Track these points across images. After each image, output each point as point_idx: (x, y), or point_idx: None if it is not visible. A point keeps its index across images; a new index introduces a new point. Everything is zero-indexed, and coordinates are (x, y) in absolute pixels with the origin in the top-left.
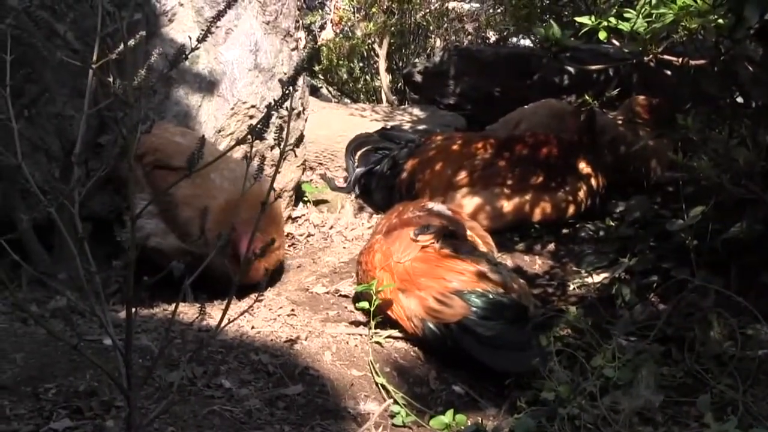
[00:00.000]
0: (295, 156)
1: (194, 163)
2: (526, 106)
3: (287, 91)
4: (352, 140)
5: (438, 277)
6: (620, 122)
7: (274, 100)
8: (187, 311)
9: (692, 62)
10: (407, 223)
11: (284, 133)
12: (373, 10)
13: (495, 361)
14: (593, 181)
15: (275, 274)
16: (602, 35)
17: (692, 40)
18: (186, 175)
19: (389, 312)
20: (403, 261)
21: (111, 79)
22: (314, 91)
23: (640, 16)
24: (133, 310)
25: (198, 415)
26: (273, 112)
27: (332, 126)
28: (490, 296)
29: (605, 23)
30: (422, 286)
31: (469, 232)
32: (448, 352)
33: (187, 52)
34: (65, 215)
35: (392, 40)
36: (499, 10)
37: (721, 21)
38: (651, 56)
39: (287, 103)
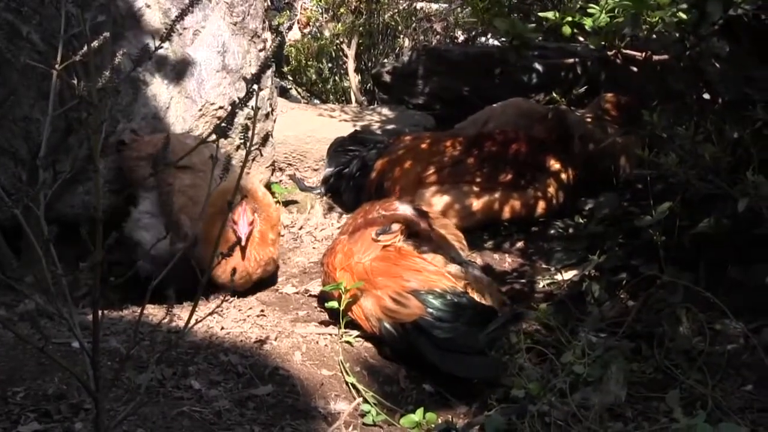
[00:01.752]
0: (261, 156)
1: (165, 156)
2: (494, 105)
3: (251, 89)
4: (332, 143)
5: (395, 276)
6: (589, 120)
7: (238, 98)
8: (156, 313)
9: (655, 57)
10: (371, 223)
11: (250, 132)
12: (341, 10)
13: (448, 365)
14: (563, 178)
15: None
16: (566, 30)
17: (655, 35)
18: (153, 173)
19: (350, 312)
20: (363, 261)
21: (76, 81)
22: (283, 92)
23: (603, 11)
24: (102, 312)
25: (167, 416)
26: (238, 110)
27: (301, 127)
28: (448, 297)
29: (569, 18)
30: (379, 285)
31: (440, 230)
32: (405, 352)
33: (151, 52)
34: (32, 218)
35: (361, 41)
36: (467, 10)
37: (683, 15)
38: (614, 51)
39: (252, 102)
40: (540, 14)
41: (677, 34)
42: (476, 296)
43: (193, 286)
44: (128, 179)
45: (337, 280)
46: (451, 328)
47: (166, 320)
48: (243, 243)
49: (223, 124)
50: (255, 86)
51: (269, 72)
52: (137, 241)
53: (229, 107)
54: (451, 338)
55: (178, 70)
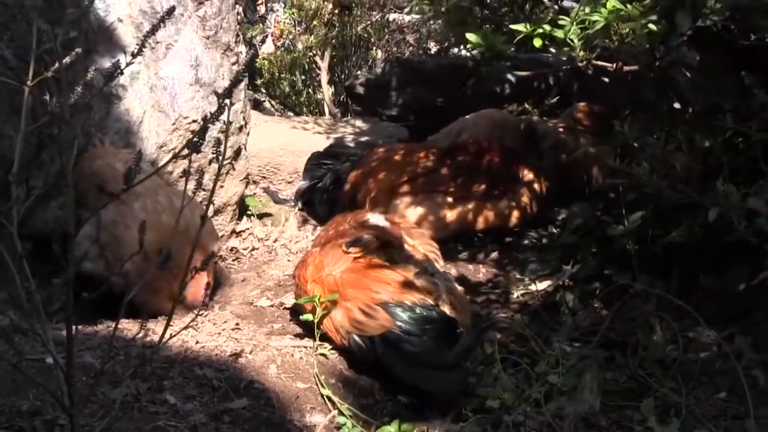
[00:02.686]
0: (234, 170)
1: (130, 180)
2: (467, 116)
3: (223, 103)
4: (310, 157)
5: (365, 287)
6: (562, 129)
7: (210, 112)
8: (131, 328)
9: (626, 68)
10: (342, 234)
11: (222, 146)
12: (314, 22)
13: (414, 379)
14: (537, 188)
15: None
16: (537, 42)
17: (625, 46)
18: (111, 199)
19: (322, 325)
20: (333, 273)
21: (48, 97)
22: (257, 105)
23: (574, 23)
24: (76, 327)
25: (142, 431)
26: (210, 125)
27: (275, 139)
28: (417, 310)
29: (540, 30)
30: (349, 296)
31: (411, 240)
32: (373, 365)
33: (123, 67)
34: (5, 234)
35: (334, 53)
36: (439, 21)
37: (653, 26)
38: (585, 62)
39: (224, 116)
40: (511, 26)
41: (647, 45)
42: (448, 308)
43: None
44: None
45: (308, 292)
46: (419, 342)
47: (140, 335)
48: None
49: (195, 139)
50: (227, 100)
51: (242, 85)
52: (80, 271)
53: (202, 121)
54: (418, 352)
55: (151, 85)
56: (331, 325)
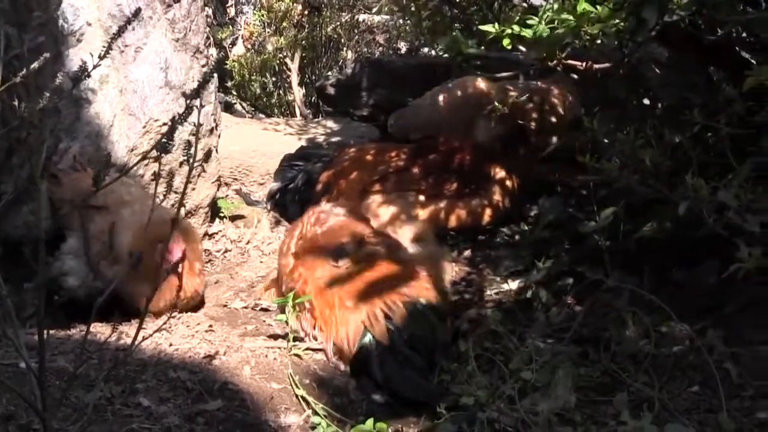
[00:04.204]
0: (205, 172)
1: (99, 183)
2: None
3: (191, 104)
4: (282, 159)
5: (384, 288)
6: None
7: (178, 113)
8: (105, 331)
9: (596, 66)
10: (313, 241)
11: (192, 149)
12: (284, 24)
13: (404, 387)
14: (509, 185)
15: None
16: (506, 42)
17: (595, 45)
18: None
19: (324, 322)
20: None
21: (17, 102)
22: (228, 107)
23: (543, 22)
24: (48, 332)
25: None
26: (179, 126)
27: (246, 141)
28: (431, 318)
29: (509, 30)
30: (367, 296)
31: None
32: (367, 368)
33: (90, 70)
34: None
35: (304, 54)
36: (408, 21)
37: (622, 24)
38: (555, 62)
39: (194, 118)
40: (481, 27)
41: (616, 42)
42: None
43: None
44: (54, 213)
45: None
46: (419, 356)
47: (113, 338)
48: (179, 270)
49: (164, 140)
50: (196, 101)
51: (212, 87)
52: (64, 287)
53: (171, 122)
54: (417, 359)
55: (121, 88)
56: (346, 323)
